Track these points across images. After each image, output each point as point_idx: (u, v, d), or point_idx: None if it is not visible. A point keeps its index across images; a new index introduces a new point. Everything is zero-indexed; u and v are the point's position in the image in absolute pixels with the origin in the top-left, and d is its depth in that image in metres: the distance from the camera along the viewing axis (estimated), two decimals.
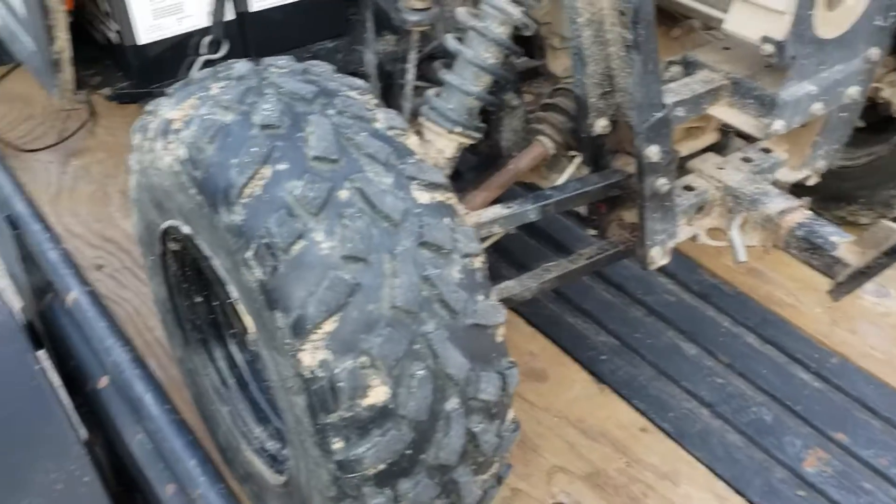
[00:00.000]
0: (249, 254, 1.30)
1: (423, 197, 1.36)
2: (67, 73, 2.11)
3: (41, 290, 2.04)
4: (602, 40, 1.61)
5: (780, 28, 1.53)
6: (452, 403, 1.34)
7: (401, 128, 1.43)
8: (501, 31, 1.63)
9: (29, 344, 1.80)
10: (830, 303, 2.37)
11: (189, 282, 1.81)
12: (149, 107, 1.57)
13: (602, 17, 1.59)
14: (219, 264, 1.44)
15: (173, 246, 1.71)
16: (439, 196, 1.38)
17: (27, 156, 3.03)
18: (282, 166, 1.31)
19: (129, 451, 1.80)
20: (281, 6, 2.35)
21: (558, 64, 2.11)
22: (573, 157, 1.97)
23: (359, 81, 1.50)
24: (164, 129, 1.45)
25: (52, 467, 1.62)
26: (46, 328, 2.02)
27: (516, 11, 1.60)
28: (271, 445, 1.80)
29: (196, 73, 2.16)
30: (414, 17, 1.74)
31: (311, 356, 1.27)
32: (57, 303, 2.02)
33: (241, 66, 1.51)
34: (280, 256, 1.27)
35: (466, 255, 1.37)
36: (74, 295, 1.74)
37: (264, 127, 1.35)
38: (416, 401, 1.30)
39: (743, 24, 1.58)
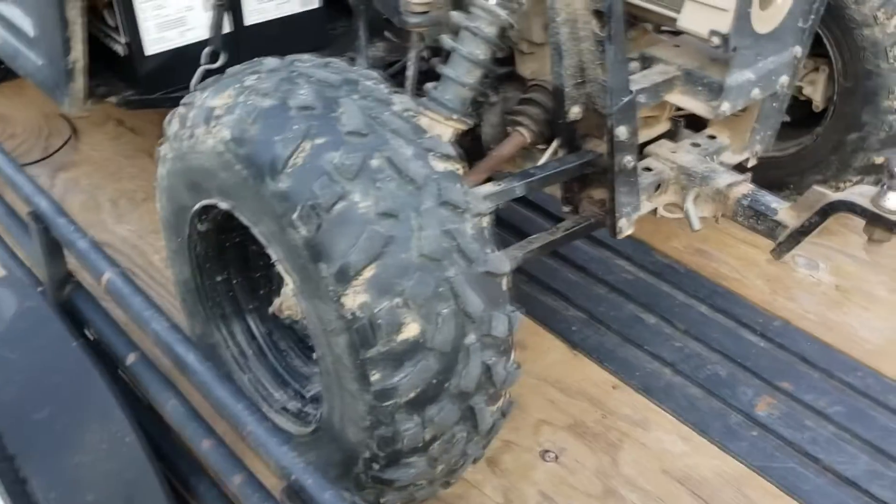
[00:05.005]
0: (295, 215, 1.52)
1: (439, 165, 1.60)
2: (80, 82, 2.29)
3: (61, 282, 2.20)
4: (576, 37, 1.89)
5: (724, 23, 1.82)
6: (471, 338, 1.57)
7: (414, 110, 1.68)
8: (490, 31, 1.88)
9: (64, 324, 1.96)
10: (770, 277, 2.71)
11: (212, 262, 2.01)
12: (184, 101, 1.78)
13: (576, 16, 1.86)
14: (259, 231, 1.65)
15: (201, 227, 1.91)
16: (451, 166, 1.62)
17: None
18: (320, 140, 1.53)
19: (159, 420, 1.98)
20: (270, 21, 2.58)
21: (526, 67, 2.37)
22: (544, 148, 2.24)
23: (373, 73, 1.74)
24: (206, 116, 1.66)
25: (97, 428, 1.79)
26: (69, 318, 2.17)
27: (503, 13, 1.86)
28: (293, 405, 2.01)
29: (197, 80, 2.38)
30: (414, 20, 1.99)
31: (353, 299, 1.49)
32: (78, 293, 2.20)
33: (271, 60, 1.73)
34: (323, 215, 1.49)
35: (477, 215, 1.61)
36: (108, 275, 1.91)
37: (301, 108, 1.57)
38: (442, 335, 1.53)
39: (694, 20, 1.87)
